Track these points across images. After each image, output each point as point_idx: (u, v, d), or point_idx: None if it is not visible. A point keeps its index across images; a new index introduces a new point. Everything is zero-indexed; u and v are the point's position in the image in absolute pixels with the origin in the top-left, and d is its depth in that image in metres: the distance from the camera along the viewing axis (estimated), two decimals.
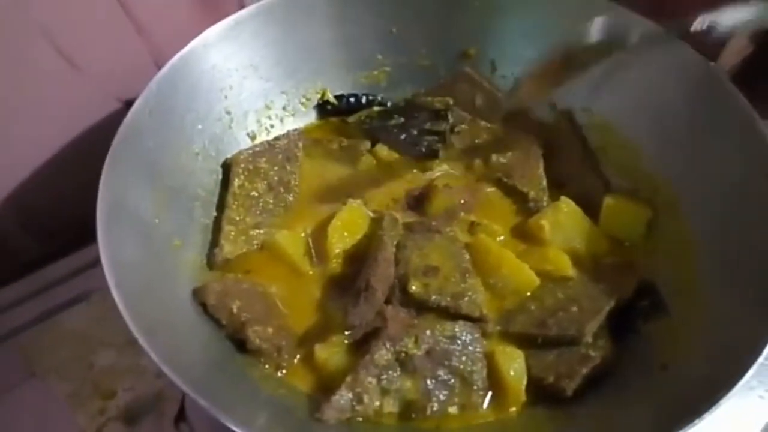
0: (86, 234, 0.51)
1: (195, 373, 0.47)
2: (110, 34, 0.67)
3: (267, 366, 0.54)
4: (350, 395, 0.49)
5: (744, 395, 0.60)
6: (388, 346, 0.51)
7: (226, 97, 0.67)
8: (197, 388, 0.44)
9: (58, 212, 0.72)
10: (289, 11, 0.68)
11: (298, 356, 0.55)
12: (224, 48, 0.66)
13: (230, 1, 0.72)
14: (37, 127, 0.67)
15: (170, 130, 0.61)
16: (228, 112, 0.68)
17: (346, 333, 0.54)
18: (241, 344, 0.54)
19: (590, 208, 0.64)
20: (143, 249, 0.54)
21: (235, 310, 0.54)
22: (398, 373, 0.51)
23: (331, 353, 0.53)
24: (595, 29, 0.65)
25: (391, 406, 0.51)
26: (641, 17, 0.65)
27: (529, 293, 0.58)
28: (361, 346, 0.54)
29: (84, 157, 0.56)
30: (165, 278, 0.55)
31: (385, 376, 0.51)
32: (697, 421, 0.44)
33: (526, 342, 0.55)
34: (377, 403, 0.50)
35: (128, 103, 0.59)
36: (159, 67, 0.61)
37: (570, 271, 0.59)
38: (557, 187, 0.67)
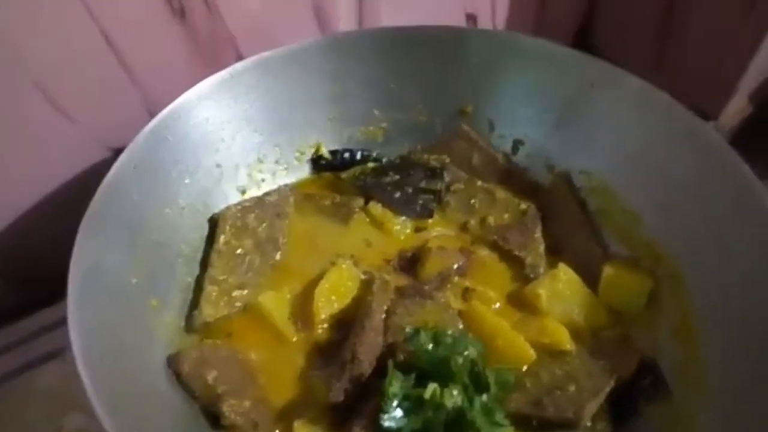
0: (66, 286, 0.49)
1: None
2: (104, 84, 0.66)
3: None
4: None
5: None
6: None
7: (217, 150, 0.66)
8: None
9: (38, 261, 0.69)
10: (286, 65, 0.68)
11: None
12: (218, 100, 0.65)
13: (228, 54, 0.71)
14: (24, 174, 0.65)
15: (156, 184, 0.59)
16: (218, 166, 0.66)
17: (329, 408, 0.51)
18: (214, 418, 0.51)
19: (588, 276, 0.61)
20: (117, 310, 0.52)
21: (210, 381, 0.51)
22: None
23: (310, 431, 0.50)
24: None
25: None
26: (644, 81, 0.64)
27: (525, 368, 0.55)
28: (344, 422, 0.50)
29: (71, 205, 0.55)
30: (138, 342, 0.52)
31: None
32: None
33: (520, 422, 0.52)
34: None
35: (118, 152, 0.58)
36: (153, 116, 0.60)
37: (568, 345, 0.56)
38: (555, 253, 0.65)
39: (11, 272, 0.71)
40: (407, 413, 0.47)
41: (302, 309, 0.59)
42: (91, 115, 0.66)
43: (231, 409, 0.49)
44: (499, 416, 0.49)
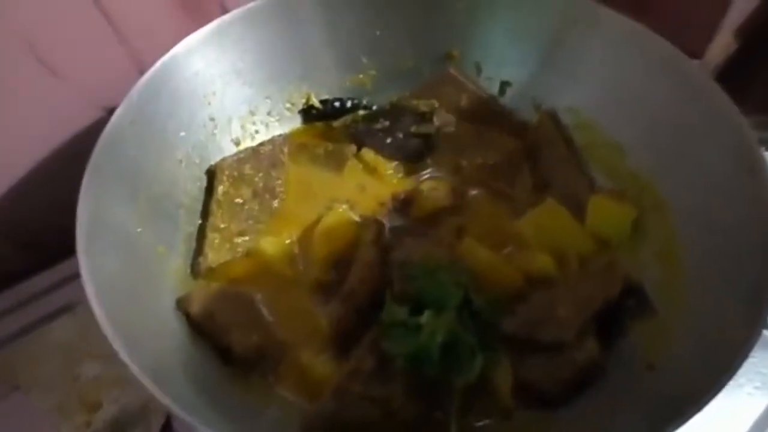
0: (71, 244, 0.50)
1: (178, 386, 0.47)
2: (92, 43, 0.67)
3: (252, 376, 0.54)
4: (335, 404, 0.49)
5: (733, 393, 0.61)
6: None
7: (209, 103, 0.67)
8: (181, 403, 0.43)
9: (42, 222, 0.71)
10: (272, 16, 0.68)
11: (283, 364, 0.55)
12: (207, 54, 0.65)
13: (213, 8, 0.72)
14: (19, 136, 0.66)
15: (152, 138, 0.61)
16: (212, 119, 0.67)
17: (332, 338, 0.54)
18: (225, 355, 0.54)
19: (576, 208, 0.63)
20: (125, 259, 0.54)
21: (218, 319, 0.54)
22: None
23: (316, 360, 0.53)
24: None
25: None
26: (625, 17, 0.65)
27: (515, 296, 0.58)
28: (347, 351, 0.53)
29: (67, 166, 0.56)
30: (148, 288, 0.55)
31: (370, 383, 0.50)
32: (684, 423, 0.43)
33: (512, 345, 0.54)
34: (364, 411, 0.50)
35: (111, 112, 0.59)
36: (142, 74, 0.61)
37: (555, 273, 0.59)
38: (543, 189, 0.67)
39: (16, 236, 0.73)
40: (405, 339, 0.49)
41: (303, 251, 0.62)
42: (81, 73, 0.67)
43: (239, 343, 0.52)
44: (491, 339, 0.52)
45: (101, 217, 0.53)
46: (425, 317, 0.50)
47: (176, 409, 0.43)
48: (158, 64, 0.61)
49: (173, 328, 0.55)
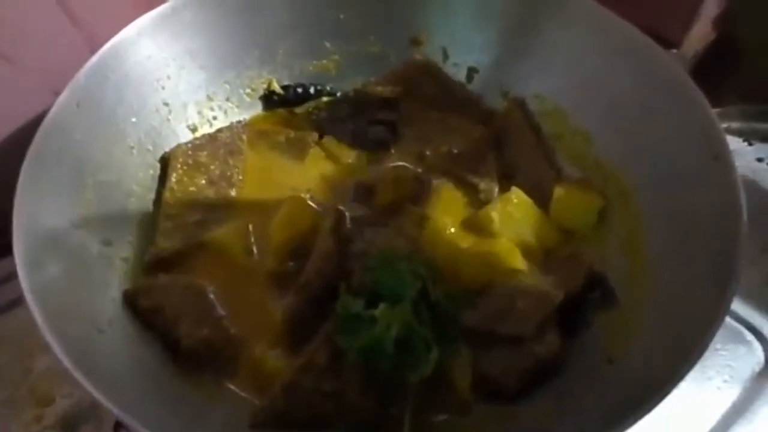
0: None
1: (123, 386, 0.45)
2: (45, 27, 0.64)
3: (202, 371, 0.52)
4: (286, 399, 0.47)
5: (702, 386, 0.60)
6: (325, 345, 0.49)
7: (163, 87, 0.64)
8: (125, 405, 0.41)
9: None
10: None
11: (235, 359, 0.53)
12: (159, 36, 0.63)
13: None
14: None
15: (100, 123, 0.58)
16: (165, 104, 0.65)
17: (285, 331, 0.52)
18: (175, 350, 0.52)
19: (542, 198, 0.62)
20: (68, 252, 0.51)
21: (168, 312, 0.52)
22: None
23: (269, 354, 0.51)
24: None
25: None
26: (593, 2, 0.64)
27: (477, 288, 0.56)
28: (301, 344, 0.52)
29: (19, 153, 0.54)
30: (93, 282, 0.53)
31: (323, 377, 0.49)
32: (644, 414, 0.42)
33: (473, 338, 0.53)
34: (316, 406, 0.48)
35: None
36: None
37: (519, 263, 0.58)
38: (509, 178, 0.66)
39: None
40: (359, 332, 0.48)
41: (259, 242, 0.60)
42: (33, 58, 0.64)
43: (189, 336, 0.51)
44: (451, 332, 0.50)
45: (42, 206, 0.51)
46: (380, 309, 0.48)
47: (118, 412, 0.41)
48: (107, 45, 0.59)
49: (120, 323, 0.52)
